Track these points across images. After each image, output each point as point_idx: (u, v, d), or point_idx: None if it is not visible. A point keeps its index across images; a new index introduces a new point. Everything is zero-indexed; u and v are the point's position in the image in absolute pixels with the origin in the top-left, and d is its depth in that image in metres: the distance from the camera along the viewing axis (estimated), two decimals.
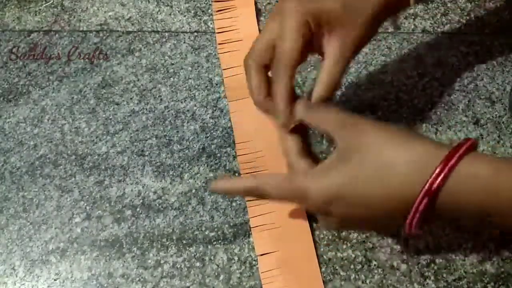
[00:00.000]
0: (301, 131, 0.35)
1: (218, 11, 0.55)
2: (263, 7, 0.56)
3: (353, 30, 0.34)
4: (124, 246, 0.42)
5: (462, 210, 0.27)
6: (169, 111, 0.49)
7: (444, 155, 0.26)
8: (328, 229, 0.39)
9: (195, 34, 0.55)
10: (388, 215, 0.28)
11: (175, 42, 0.54)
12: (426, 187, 0.26)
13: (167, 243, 0.42)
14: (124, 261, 0.41)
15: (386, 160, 0.27)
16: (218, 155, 0.46)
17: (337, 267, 0.40)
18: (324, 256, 0.40)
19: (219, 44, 0.53)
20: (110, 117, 0.49)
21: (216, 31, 0.54)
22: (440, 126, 0.46)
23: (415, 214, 0.27)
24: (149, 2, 0.58)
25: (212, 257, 0.41)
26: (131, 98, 0.50)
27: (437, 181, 0.26)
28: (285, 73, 0.33)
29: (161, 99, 0.50)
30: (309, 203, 0.30)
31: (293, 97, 0.34)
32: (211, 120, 0.48)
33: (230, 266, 0.40)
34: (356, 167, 0.28)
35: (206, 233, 0.42)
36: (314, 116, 0.33)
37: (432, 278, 0.39)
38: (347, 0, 0.33)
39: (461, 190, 0.26)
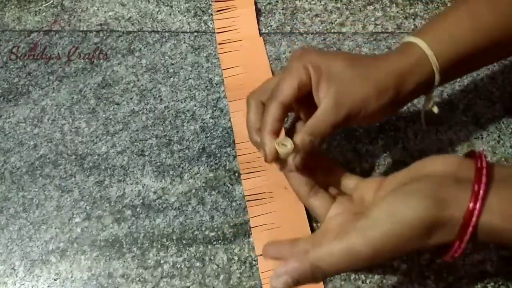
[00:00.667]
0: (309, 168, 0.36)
1: (218, 11, 0.55)
2: (263, 7, 0.56)
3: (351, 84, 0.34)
4: (124, 246, 0.42)
5: (502, 241, 0.28)
6: (169, 111, 0.49)
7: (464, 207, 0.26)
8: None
9: (195, 34, 0.55)
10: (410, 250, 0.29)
11: (175, 42, 0.54)
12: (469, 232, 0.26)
13: (167, 243, 0.42)
14: (124, 261, 0.41)
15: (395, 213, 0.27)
16: (218, 155, 0.46)
17: None
18: None
19: (219, 44, 0.53)
20: (110, 117, 0.49)
21: (216, 31, 0.54)
22: (440, 126, 0.46)
23: (455, 254, 0.27)
24: (149, 2, 0.58)
25: (212, 257, 0.41)
26: (131, 98, 0.50)
27: (471, 226, 0.26)
28: (275, 106, 0.34)
29: (161, 99, 0.50)
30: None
31: (279, 133, 0.35)
32: (211, 120, 0.48)
33: (230, 266, 0.40)
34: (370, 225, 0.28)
35: (206, 233, 0.42)
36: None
37: (432, 278, 0.39)
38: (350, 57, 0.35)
39: (486, 239, 0.27)
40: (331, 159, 0.43)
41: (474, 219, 0.25)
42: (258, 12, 0.55)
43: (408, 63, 0.35)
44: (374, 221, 0.27)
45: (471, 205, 0.25)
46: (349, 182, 0.37)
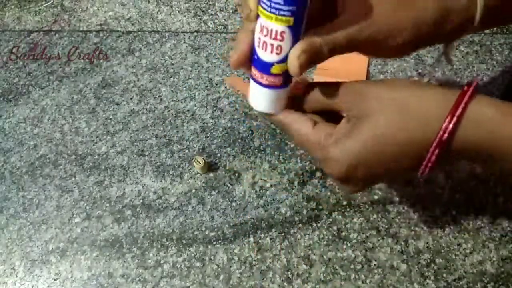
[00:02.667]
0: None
1: None
2: None
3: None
4: (124, 246, 0.42)
5: (472, 155, 0.28)
6: (169, 111, 0.49)
7: (451, 105, 0.27)
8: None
9: (195, 34, 0.55)
10: (403, 167, 0.29)
11: (175, 42, 0.54)
12: (437, 140, 0.27)
13: (167, 243, 0.42)
14: (124, 261, 0.41)
15: (394, 119, 0.28)
16: (218, 155, 0.46)
17: (337, 267, 0.40)
18: (324, 256, 0.40)
19: None
20: (110, 117, 0.49)
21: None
22: None
23: (428, 163, 0.28)
24: (149, 2, 0.58)
25: (212, 257, 0.41)
26: (131, 98, 0.50)
27: (447, 133, 0.27)
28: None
29: (161, 99, 0.50)
30: (331, 171, 0.30)
31: None
32: (211, 120, 0.48)
33: (230, 266, 0.40)
34: (371, 131, 0.28)
35: (206, 233, 0.42)
36: (328, 90, 0.31)
37: (432, 278, 0.39)
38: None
39: (469, 136, 0.27)
40: None
41: (463, 103, 0.26)
42: None
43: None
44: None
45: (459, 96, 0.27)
46: None
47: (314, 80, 0.36)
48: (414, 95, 0.28)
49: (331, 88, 0.31)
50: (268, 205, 0.43)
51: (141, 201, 0.44)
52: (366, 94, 0.29)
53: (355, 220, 0.42)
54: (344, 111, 0.30)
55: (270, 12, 0.27)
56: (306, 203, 0.43)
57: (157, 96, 0.50)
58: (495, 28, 0.52)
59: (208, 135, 0.47)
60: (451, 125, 0.27)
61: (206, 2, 0.57)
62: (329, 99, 0.31)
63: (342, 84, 0.31)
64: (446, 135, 0.27)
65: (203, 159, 0.44)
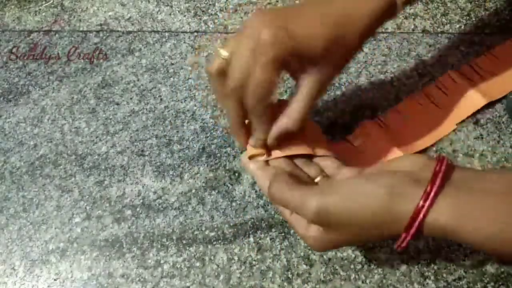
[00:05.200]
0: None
1: None
2: (264, 7, 0.56)
3: (328, 68, 0.34)
4: (124, 246, 0.42)
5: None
6: (169, 111, 0.49)
7: (413, 209, 0.28)
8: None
9: (195, 34, 0.55)
10: (380, 239, 0.33)
11: (175, 42, 0.54)
12: (405, 239, 0.29)
13: (167, 243, 0.42)
14: (124, 261, 0.41)
15: (365, 218, 0.30)
16: (218, 155, 0.46)
17: (337, 267, 0.40)
18: (324, 256, 0.40)
19: None
20: (110, 117, 0.49)
21: None
22: None
23: (401, 244, 0.30)
24: (149, 2, 0.58)
25: (212, 257, 0.41)
26: (131, 98, 0.50)
27: (410, 235, 0.29)
28: (260, 107, 0.34)
29: (161, 99, 0.50)
30: (312, 248, 0.33)
31: (271, 123, 0.35)
32: (211, 120, 0.48)
33: (230, 266, 0.40)
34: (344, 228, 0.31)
35: (206, 233, 0.42)
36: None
37: (432, 278, 0.39)
38: (332, 36, 0.32)
39: (432, 234, 0.29)
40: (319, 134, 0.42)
41: (421, 215, 0.28)
42: None
43: None
44: (335, 186, 0.31)
45: (421, 203, 0.28)
46: (333, 165, 0.38)
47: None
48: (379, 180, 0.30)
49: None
50: (268, 205, 0.43)
51: (141, 201, 0.44)
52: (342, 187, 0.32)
53: None
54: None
55: None
56: None
57: (157, 96, 0.50)
58: (495, 28, 0.52)
59: (208, 135, 0.47)
60: (414, 228, 0.28)
61: (206, 2, 0.57)
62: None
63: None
64: (409, 236, 0.29)
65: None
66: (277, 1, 0.56)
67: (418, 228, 0.28)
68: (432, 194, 0.28)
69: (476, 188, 0.28)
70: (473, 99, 0.46)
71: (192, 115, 0.49)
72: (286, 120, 0.35)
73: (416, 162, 0.31)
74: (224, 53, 0.34)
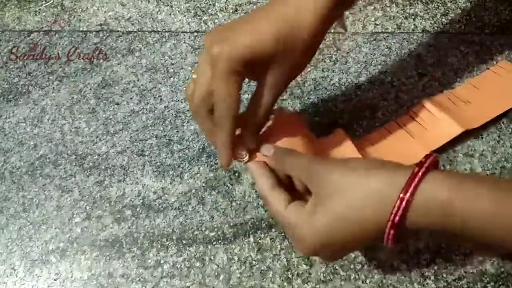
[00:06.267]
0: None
1: None
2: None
3: (284, 69, 0.34)
4: (124, 246, 0.42)
5: (429, 229, 0.31)
6: (169, 111, 0.49)
7: (401, 187, 0.28)
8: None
9: (195, 34, 0.55)
10: (369, 241, 0.31)
11: (175, 42, 0.54)
12: (390, 223, 0.29)
13: (167, 243, 0.42)
14: (124, 261, 0.41)
15: (352, 201, 0.30)
16: None
17: (337, 267, 0.40)
18: None
19: None
20: (110, 117, 0.49)
21: None
22: None
23: (388, 240, 0.30)
24: (149, 2, 0.58)
25: (212, 257, 0.41)
26: (131, 98, 0.50)
27: (397, 216, 0.28)
28: (226, 121, 0.34)
29: (161, 99, 0.50)
30: (300, 250, 0.33)
31: (234, 141, 0.36)
32: None
33: (230, 266, 0.40)
34: (330, 212, 0.31)
35: (206, 233, 0.42)
36: (286, 163, 0.35)
37: (432, 278, 0.39)
38: (280, 35, 0.32)
39: (420, 219, 0.28)
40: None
41: (416, 180, 0.28)
42: None
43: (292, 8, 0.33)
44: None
45: (415, 171, 0.28)
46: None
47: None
48: (370, 175, 0.30)
49: (291, 164, 0.35)
50: None
51: (141, 201, 0.44)
52: (324, 177, 0.32)
53: None
54: (308, 186, 0.34)
55: None
56: None
57: (157, 96, 0.50)
58: (495, 28, 0.52)
59: None
60: (400, 210, 0.28)
61: (206, 2, 0.57)
62: (294, 173, 0.35)
63: (299, 162, 0.34)
64: (397, 217, 0.28)
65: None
66: None
67: (408, 201, 0.28)
68: (425, 165, 0.28)
69: (466, 174, 0.29)
70: (449, 128, 0.44)
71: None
72: (251, 118, 0.36)
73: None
74: (194, 75, 0.35)
